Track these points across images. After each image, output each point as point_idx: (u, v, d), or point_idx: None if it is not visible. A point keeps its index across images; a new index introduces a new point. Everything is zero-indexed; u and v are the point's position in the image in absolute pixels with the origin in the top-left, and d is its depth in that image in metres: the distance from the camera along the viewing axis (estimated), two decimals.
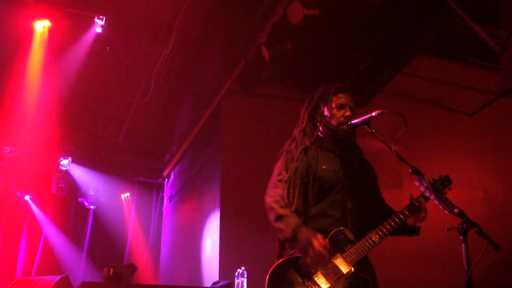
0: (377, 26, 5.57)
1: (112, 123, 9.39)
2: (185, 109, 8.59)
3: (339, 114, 3.04)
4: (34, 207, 9.49)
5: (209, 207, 6.52)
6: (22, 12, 6.90)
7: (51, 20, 7.09)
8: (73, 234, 9.77)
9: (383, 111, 2.79)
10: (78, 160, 9.28)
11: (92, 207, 9.66)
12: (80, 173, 9.39)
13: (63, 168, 9.22)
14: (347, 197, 2.98)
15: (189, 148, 7.92)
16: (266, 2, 5.30)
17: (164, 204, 9.65)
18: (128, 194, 10.12)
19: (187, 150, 8.06)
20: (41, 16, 7.05)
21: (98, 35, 7.04)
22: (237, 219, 5.85)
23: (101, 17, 6.77)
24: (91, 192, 9.43)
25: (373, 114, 2.81)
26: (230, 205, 5.93)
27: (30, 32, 7.19)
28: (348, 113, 3.02)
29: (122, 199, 10.07)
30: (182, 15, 6.14)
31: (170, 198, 9.11)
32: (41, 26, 7.18)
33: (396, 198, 6.38)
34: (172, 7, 6.35)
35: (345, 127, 3.01)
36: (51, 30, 7.19)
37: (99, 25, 6.81)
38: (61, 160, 9.19)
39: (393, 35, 5.60)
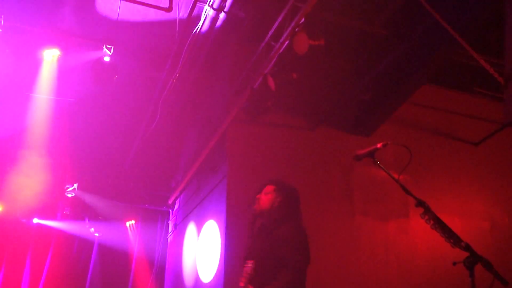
0: (381, 56, 5.61)
1: (118, 151, 9.42)
2: (190, 137, 8.62)
3: None
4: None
5: (214, 236, 6.48)
6: (30, 40, 7.00)
7: (60, 49, 7.17)
8: (77, 261, 9.72)
9: (388, 143, 2.82)
10: (83, 187, 9.30)
11: (96, 234, 9.64)
12: (86, 200, 9.40)
13: (69, 195, 9.23)
14: None
15: (194, 176, 7.91)
16: (271, 33, 5.36)
17: (169, 232, 9.60)
18: (133, 221, 10.08)
19: (192, 178, 8.05)
20: (50, 45, 7.14)
21: (106, 64, 7.10)
22: (242, 248, 5.80)
23: (109, 46, 6.84)
24: (100, 218, 9.44)
25: (378, 146, 2.86)
26: (235, 235, 5.89)
27: (39, 60, 7.28)
28: (257, 196, 3.84)
29: (127, 227, 10.03)
30: (188, 44, 6.22)
31: (175, 226, 9.06)
32: (50, 55, 7.27)
33: (403, 228, 6.41)
34: (179, 37, 6.43)
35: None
36: (60, 59, 7.28)
37: (107, 54, 6.87)
38: (68, 187, 9.21)
39: (397, 65, 5.62)
